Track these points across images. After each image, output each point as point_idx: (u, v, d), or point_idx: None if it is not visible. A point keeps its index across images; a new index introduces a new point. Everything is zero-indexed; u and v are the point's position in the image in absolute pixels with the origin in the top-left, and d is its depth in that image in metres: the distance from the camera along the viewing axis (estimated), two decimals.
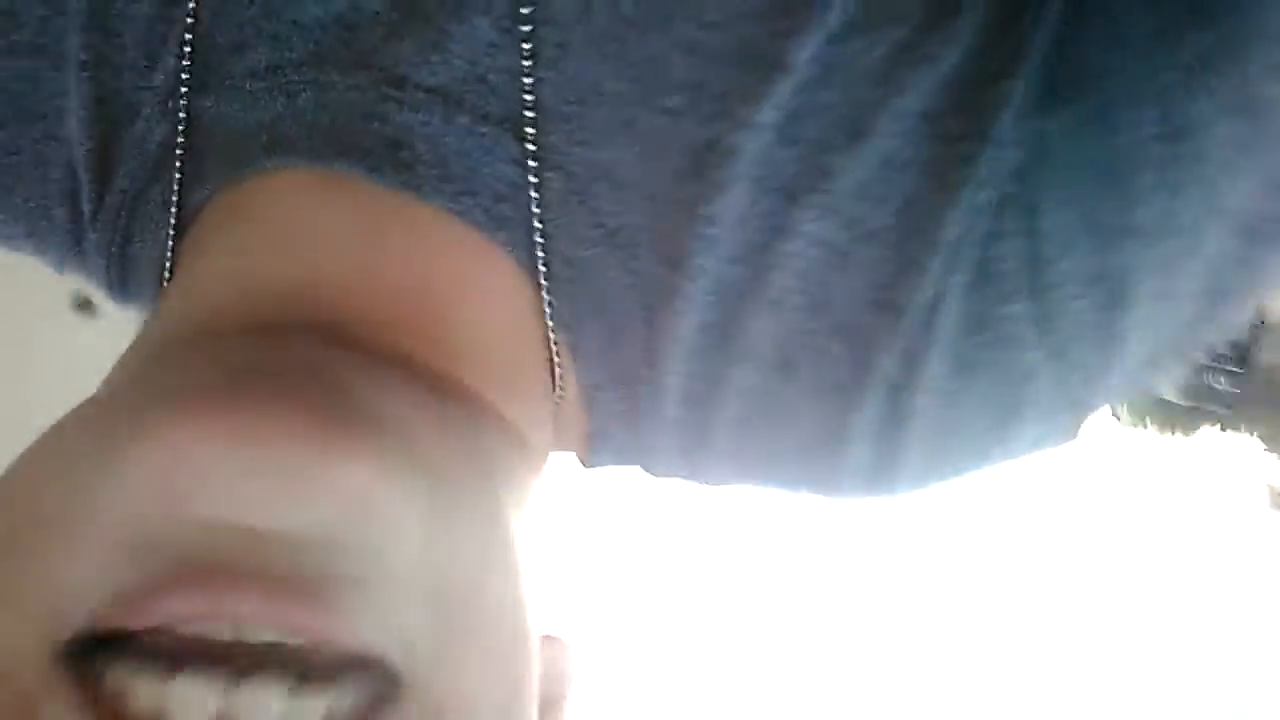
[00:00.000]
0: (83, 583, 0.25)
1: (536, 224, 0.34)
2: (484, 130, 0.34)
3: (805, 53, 0.32)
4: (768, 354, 0.36)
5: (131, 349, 0.35)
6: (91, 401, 0.30)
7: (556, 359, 0.37)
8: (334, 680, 0.25)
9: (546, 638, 0.35)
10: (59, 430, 0.29)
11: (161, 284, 0.39)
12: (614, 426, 0.38)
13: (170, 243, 0.38)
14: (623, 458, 0.40)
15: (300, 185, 0.35)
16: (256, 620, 0.25)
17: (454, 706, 0.27)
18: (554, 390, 0.37)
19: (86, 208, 0.40)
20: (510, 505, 0.32)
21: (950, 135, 0.33)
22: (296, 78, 0.35)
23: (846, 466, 0.37)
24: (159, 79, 0.37)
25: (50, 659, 0.24)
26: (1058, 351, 0.35)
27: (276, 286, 0.33)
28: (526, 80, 0.33)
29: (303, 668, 0.25)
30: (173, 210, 0.37)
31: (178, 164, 0.37)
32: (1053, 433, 0.37)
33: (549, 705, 0.36)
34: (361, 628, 0.26)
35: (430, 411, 0.30)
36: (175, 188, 0.37)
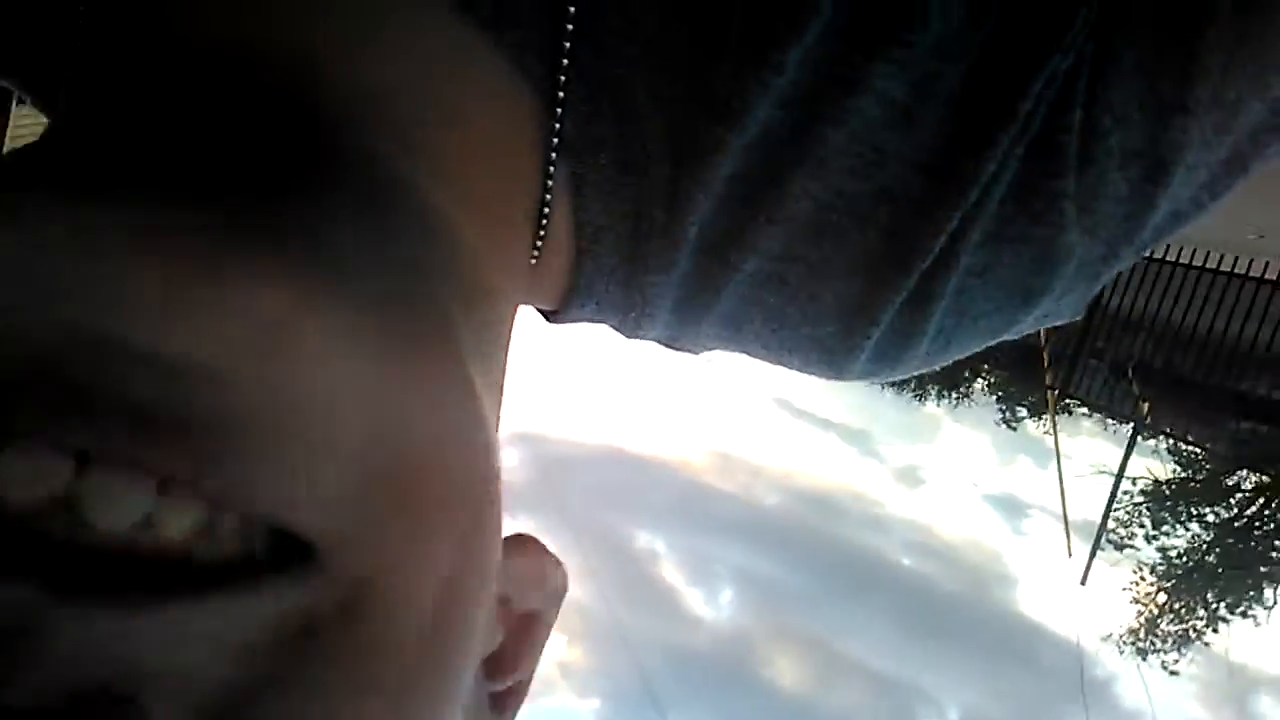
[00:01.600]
0: None
1: (567, 25, 0.30)
2: None
3: None
4: (802, 216, 0.33)
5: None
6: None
7: (549, 193, 0.32)
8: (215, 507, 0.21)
9: (520, 538, 0.32)
10: None
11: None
12: (603, 277, 0.34)
13: None
14: (599, 313, 0.36)
15: None
16: (120, 446, 0.20)
17: (373, 593, 0.22)
18: (538, 227, 0.32)
19: None
20: (472, 364, 0.27)
21: None
22: None
23: (865, 348, 0.35)
24: None
25: None
26: (1090, 229, 0.33)
27: (216, 53, 0.27)
28: None
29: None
30: None
31: None
32: (1063, 310, 0.36)
33: (529, 621, 0.33)
34: (259, 479, 0.21)
35: (384, 231, 0.25)
36: None
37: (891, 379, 0.37)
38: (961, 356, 0.37)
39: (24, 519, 0.20)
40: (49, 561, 0.19)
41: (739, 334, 0.36)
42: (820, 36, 0.30)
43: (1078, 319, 0.37)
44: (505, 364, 0.32)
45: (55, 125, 0.29)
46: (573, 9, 0.30)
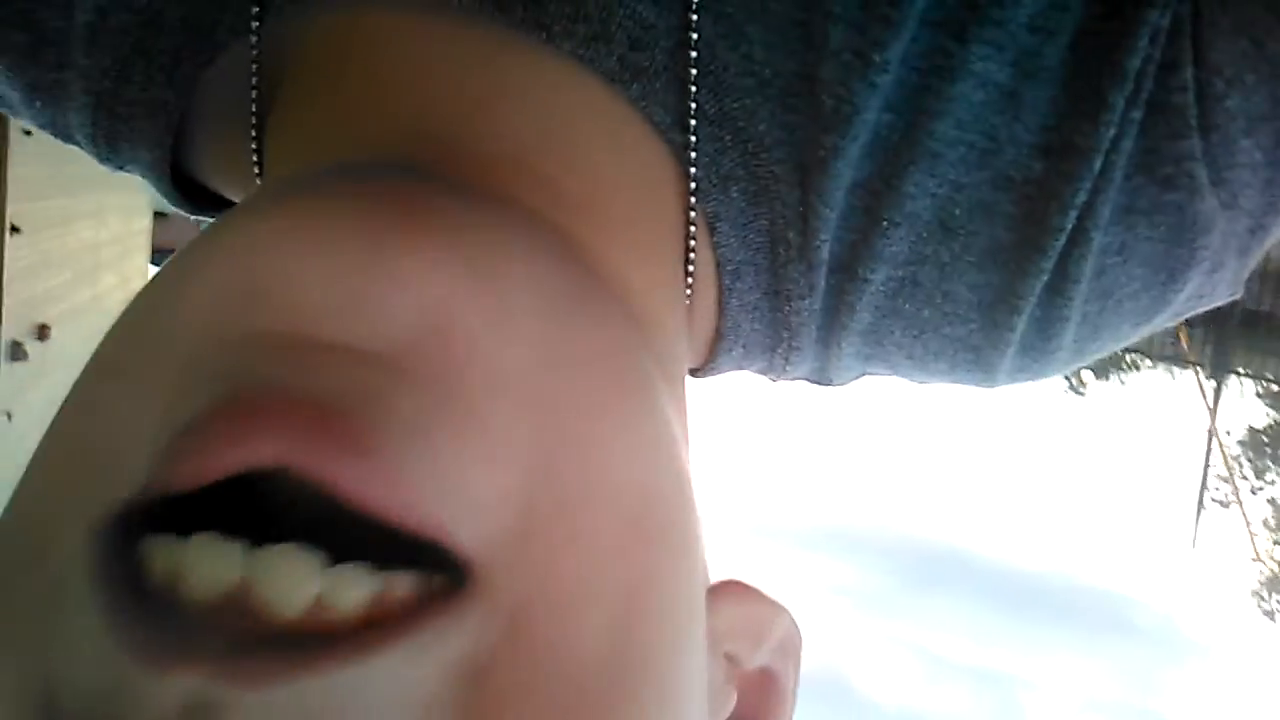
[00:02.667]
0: (127, 445, 0.21)
1: (690, 73, 0.31)
2: None
3: None
4: (925, 214, 0.32)
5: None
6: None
7: (692, 232, 0.32)
8: (382, 561, 0.20)
9: (732, 585, 0.30)
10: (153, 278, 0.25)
11: (171, 137, 0.34)
12: (749, 317, 0.34)
13: (253, 81, 0.32)
14: (750, 357, 0.36)
15: (399, 23, 0.30)
16: (282, 461, 0.19)
17: (538, 617, 0.21)
18: (686, 268, 0.32)
19: (82, 18, 0.33)
20: (656, 384, 0.27)
21: None
22: None
23: (1010, 342, 0.34)
24: None
25: (83, 534, 0.20)
26: (1229, 200, 0.32)
27: (388, 130, 0.29)
28: None
29: (346, 541, 0.20)
30: (253, 50, 0.32)
31: None
32: (1218, 288, 0.35)
33: (766, 680, 0.31)
34: (421, 493, 0.20)
35: (540, 243, 0.25)
36: (254, 19, 0.32)
37: (1043, 377, 0.36)
38: (1115, 347, 0.36)
39: (199, 607, 0.19)
40: (223, 642, 0.19)
41: (882, 348, 0.35)
42: (915, 31, 0.30)
43: (1237, 296, 0.35)
44: (685, 407, 0.31)
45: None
46: (694, 53, 0.30)
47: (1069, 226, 0.31)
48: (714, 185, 0.32)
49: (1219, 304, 0.36)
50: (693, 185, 0.31)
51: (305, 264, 0.21)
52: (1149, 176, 0.31)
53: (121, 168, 0.37)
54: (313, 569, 0.20)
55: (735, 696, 0.30)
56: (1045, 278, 0.32)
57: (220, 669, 0.18)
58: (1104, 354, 0.36)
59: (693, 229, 0.32)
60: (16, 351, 3.07)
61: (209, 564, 0.19)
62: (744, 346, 0.35)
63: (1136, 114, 0.31)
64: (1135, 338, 0.36)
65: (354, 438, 0.20)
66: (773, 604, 0.31)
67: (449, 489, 0.20)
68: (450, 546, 0.20)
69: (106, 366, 0.23)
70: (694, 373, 0.37)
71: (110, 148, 0.36)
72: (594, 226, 0.29)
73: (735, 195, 0.32)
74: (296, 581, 0.19)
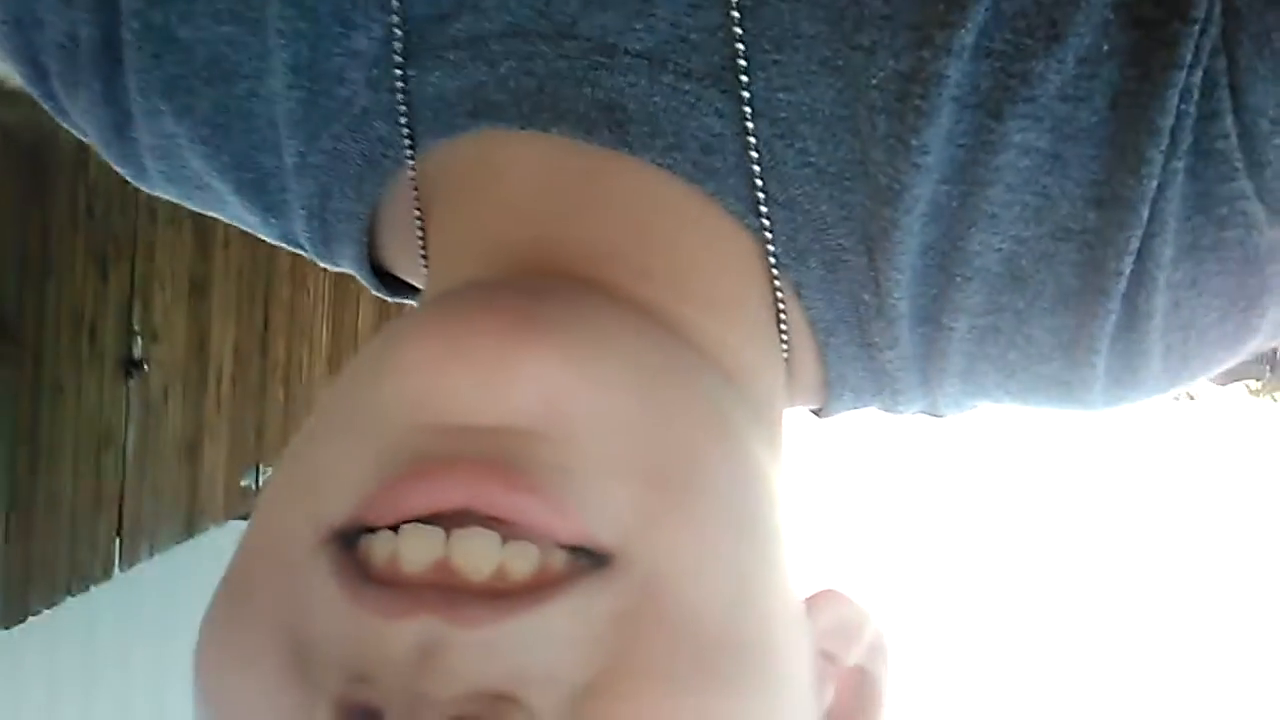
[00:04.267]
0: (344, 483, 0.30)
1: (755, 169, 0.36)
2: (688, 87, 0.36)
3: None
4: (994, 268, 0.36)
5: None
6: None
7: (780, 298, 0.38)
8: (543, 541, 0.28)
9: (824, 593, 0.36)
10: (352, 360, 0.34)
11: (366, 237, 0.44)
12: (851, 367, 0.39)
13: (415, 195, 0.41)
14: (861, 400, 0.40)
15: (514, 150, 0.37)
16: (468, 502, 0.28)
17: (665, 583, 0.28)
18: (779, 332, 0.38)
19: (289, 160, 0.43)
20: (740, 417, 0.34)
21: (1147, 20, 0.33)
22: (499, 48, 0.38)
23: (1095, 375, 0.37)
24: (361, 45, 0.40)
25: (317, 541, 0.29)
26: None
27: (516, 247, 0.36)
28: (737, 31, 0.35)
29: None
30: (410, 172, 0.40)
31: (404, 130, 0.40)
32: None
33: (859, 677, 0.37)
34: (566, 509, 0.28)
35: (627, 321, 0.33)
36: (409, 151, 0.40)
37: (1144, 399, 0.39)
38: (1211, 372, 0.38)
39: (414, 577, 0.28)
40: (437, 598, 0.27)
41: (981, 387, 0.39)
42: (953, 113, 0.34)
43: None
44: (780, 440, 0.38)
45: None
46: (755, 154, 0.36)
47: (1127, 270, 0.34)
48: (794, 259, 0.37)
49: None
50: (771, 260, 0.37)
51: (457, 373, 0.30)
52: (1207, 216, 0.34)
53: (337, 264, 0.47)
54: (494, 545, 0.28)
55: (832, 691, 0.36)
56: (1114, 316, 0.35)
57: (440, 614, 0.27)
58: (1202, 378, 0.38)
59: (779, 295, 0.37)
60: None
61: (419, 545, 0.28)
62: (853, 390, 0.40)
63: (1179, 163, 0.33)
64: (1231, 362, 0.38)
65: (522, 482, 0.28)
66: (863, 608, 0.37)
67: (589, 504, 0.29)
68: (595, 545, 0.29)
69: (328, 419, 0.32)
70: (817, 413, 0.42)
71: (325, 247, 0.45)
72: (684, 301, 0.36)
73: (814, 265, 0.37)
74: (483, 554, 0.28)
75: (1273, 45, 0.32)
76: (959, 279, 0.36)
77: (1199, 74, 0.33)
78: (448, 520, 0.28)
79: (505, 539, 0.28)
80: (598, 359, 0.30)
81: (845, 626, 0.36)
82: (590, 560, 0.28)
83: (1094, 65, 0.33)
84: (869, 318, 0.37)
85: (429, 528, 0.28)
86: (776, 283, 0.37)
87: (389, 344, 0.32)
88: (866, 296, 0.37)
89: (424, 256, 0.41)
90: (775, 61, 0.35)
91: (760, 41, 0.35)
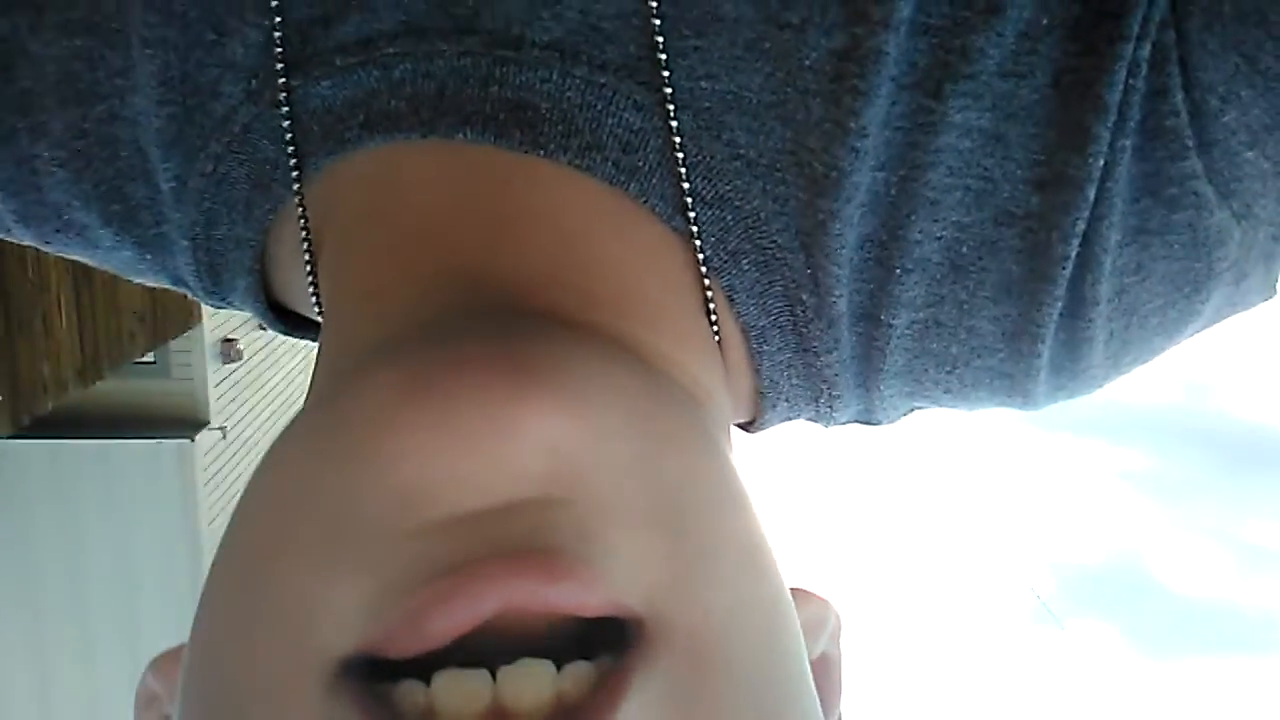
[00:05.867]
0: (342, 608, 0.25)
1: (680, 168, 0.34)
2: (603, 80, 0.33)
3: None
4: (935, 257, 0.34)
5: (321, 359, 0.35)
6: (305, 420, 0.30)
7: (712, 307, 0.35)
8: (590, 647, 0.25)
9: (795, 591, 0.34)
10: (284, 454, 0.29)
11: (259, 266, 0.39)
12: (785, 375, 0.37)
13: (302, 226, 0.37)
14: (795, 410, 0.38)
15: (416, 165, 0.34)
16: (504, 608, 0.24)
17: (708, 643, 0.26)
18: (715, 338, 0.36)
19: (165, 186, 0.39)
20: (720, 439, 0.32)
21: None
22: (392, 50, 0.34)
23: (1039, 366, 0.35)
24: (237, 53, 0.36)
25: (324, 682, 0.25)
26: (1243, 211, 0.33)
27: (433, 280, 0.33)
28: (653, 16, 0.33)
29: (556, 637, 0.25)
30: (298, 197, 0.37)
31: (289, 149, 0.36)
32: (1249, 295, 0.36)
33: (824, 665, 0.36)
34: (599, 582, 0.25)
35: (608, 356, 0.30)
36: (294, 173, 0.36)
37: (1083, 394, 0.38)
38: (1150, 359, 0.37)
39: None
40: None
41: (920, 385, 0.37)
42: (890, 94, 0.32)
43: (1271, 299, 0.37)
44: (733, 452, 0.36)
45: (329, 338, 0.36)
46: (680, 149, 0.33)
47: (1073, 254, 0.33)
48: (725, 261, 0.34)
49: (1252, 308, 0.36)
50: (700, 261, 0.34)
51: (450, 454, 0.26)
52: (1155, 199, 0.33)
53: (226, 300, 0.42)
54: (547, 676, 0.24)
55: None
56: (1059, 304, 0.34)
57: None
58: (1141, 366, 0.37)
59: (711, 304, 0.35)
60: None
61: (462, 693, 0.24)
62: (787, 400, 0.37)
63: (1127, 141, 0.32)
64: (1170, 349, 0.37)
65: (559, 567, 0.25)
66: (822, 600, 0.36)
67: (617, 568, 0.26)
68: (628, 615, 0.26)
69: (292, 532, 0.27)
70: (746, 428, 0.39)
71: (213, 281, 0.41)
72: (630, 320, 0.33)
73: (746, 267, 0.35)
74: (539, 690, 0.24)
75: (1223, 18, 0.30)
76: (899, 271, 0.34)
77: (1147, 47, 0.31)
78: (482, 639, 0.25)
79: (560, 664, 0.25)
80: (595, 404, 0.27)
81: (811, 622, 0.35)
82: (618, 632, 0.25)
83: (1034, 40, 0.32)
84: (806, 320, 0.35)
85: (470, 673, 0.24)
86: (709, 291, 0.35)
87: (350, 431, 0.27)
88: (805, 297, 0.35)
89: (315, 295, 0.37)
90: (696, 48, 0.33)
91: (679, 27, 0.33)
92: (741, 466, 0.34)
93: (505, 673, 0.24)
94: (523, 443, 0.26)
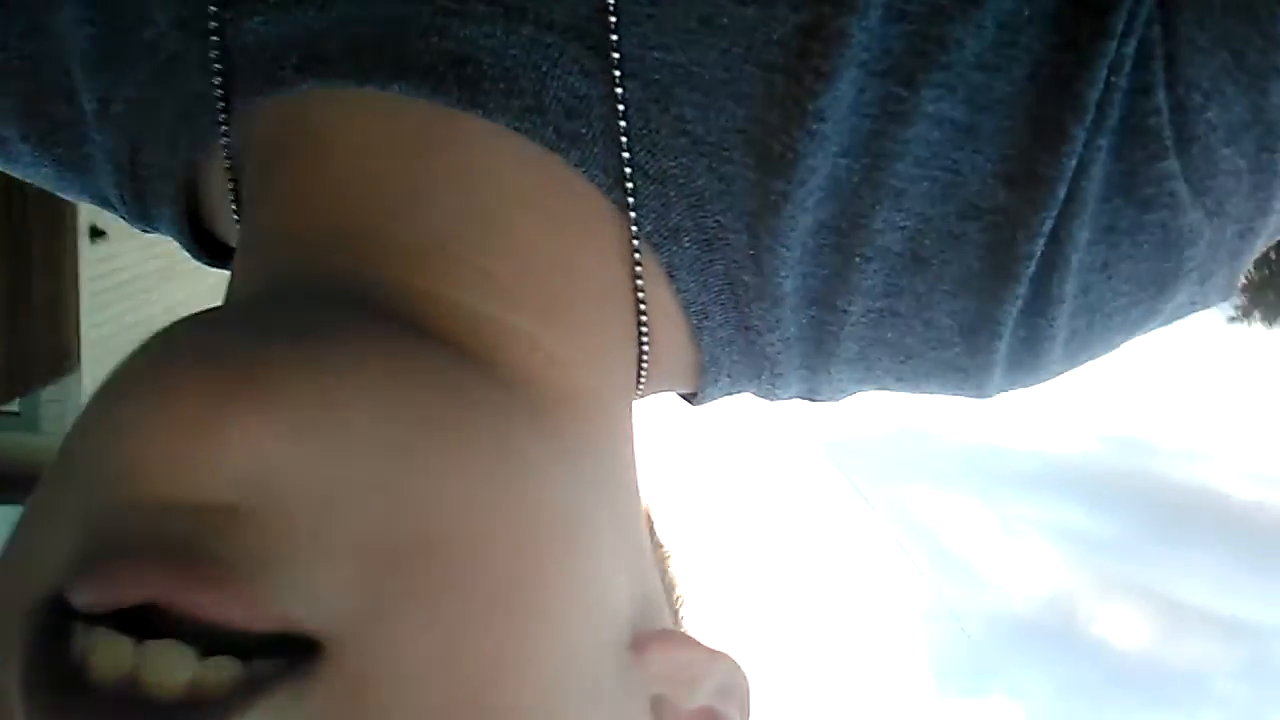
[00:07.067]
0: (59, 552, 0.26)
1: (622, 137, 0.32)
2: (550, 40, 0.32)
3: None
4: (895, 248, 0.33)
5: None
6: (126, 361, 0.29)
7: (639, 284, 0.34)
8: (255, 652, 0.25)
9: (664, 634, 0.32)
10: (103, 388, 0.29)
11: (184, 196, 0.38)
12: (726, 350, 0.36)
13: (227, 164, 0.36)
14: (738, 385, 0.38)
15: (345, 114, 0.33)
16: (152, 599, 0.25)
17: (383, 679, 0.25)
18: (638, 322, 0.35)
19: (89, 107, 0.38)
20: (538, 457, 0.30)
21: None
22: None
23: (995, 362, 0.35)
24: None
25: (25, 610, 0.26)
26: (1214, 209, 0.33)
27: (333, 241, 0.32)
28: None
29: (222, 634, 0.25)
30: (223, 135, 0.35)
31: (216, 83, 0.34)
32: (1210, 293, 0.35)
33: (705, 718, 0.34)
34: (256, 599, 0.25)
35: (390, 370, 0.28)
36: (221, 115, 0.35)
37: (1035, 385, 0.37)
38: (1108, 352, 0.37)
39: (104, 685, 0.24)
40: (113, 711, 0.24)
41: (871, 372, 0.36)
42: (858, 80, 0.31)
43: (1231, 299, 0.36)
44: (630, 458, 0.35)
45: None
46: (624, 123, 0.32)
47: (1038, 252, 0.32)
48: (665, 237, 0.33)
49: (1210, 308, 0.36)
50: (633, 235, 0.33)
51: (160, 440, 0.25)
52: (1128, 199, 0.32)
53: (154, 227, 0.41)
54: (188, 659, 0.24)
55: None
56: (1020, 302, 0.33)
57: None
58: (1096, 359, 0.37)
59: (639, 280, 0.34)
60: None
61: (109, 654, 0.24)
62: (729, 375, 0.37)
63: (1104, 140, 0.31)
64: (1124, 345, 0.37)
65: (205, 574, 0.24)
66: (710, 650, 0.34)
67: (294, 591, 0.25)
68: (299, 631, 0.25)
69: (44, 492, 0.29)
70: (690, 399, 0.39)
71: (139, 205, 0.40)
72: (518, 309, 0.32)
73: (687, 244, 0.34)
74: (174, 669, 0.24)
75: (1214, 14, 0.30)
76: (858, 259, 0.33)
77: (1132, 44, 0.30)
78: (148, 617, 0.25)
79: (205, 652, 0.24)
80: (327, 424, 0.26)
81: (682, 671, 0.33)
82: (300, 656, 0.25)
83: (1014, 31, 0.31)
84: (748, 299, 0.34)
85: (118, 638, 0.25)
86: (638, 266, 0.33)
87: (113, 392, 0.28)
88: (746, 278, 0.34)
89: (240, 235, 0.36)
90: (650, 16, 0.31)
91: None
92: (626, 469, 0.34)
93: (149, 646, 0.24)
94: (229, 448, 0.26)
